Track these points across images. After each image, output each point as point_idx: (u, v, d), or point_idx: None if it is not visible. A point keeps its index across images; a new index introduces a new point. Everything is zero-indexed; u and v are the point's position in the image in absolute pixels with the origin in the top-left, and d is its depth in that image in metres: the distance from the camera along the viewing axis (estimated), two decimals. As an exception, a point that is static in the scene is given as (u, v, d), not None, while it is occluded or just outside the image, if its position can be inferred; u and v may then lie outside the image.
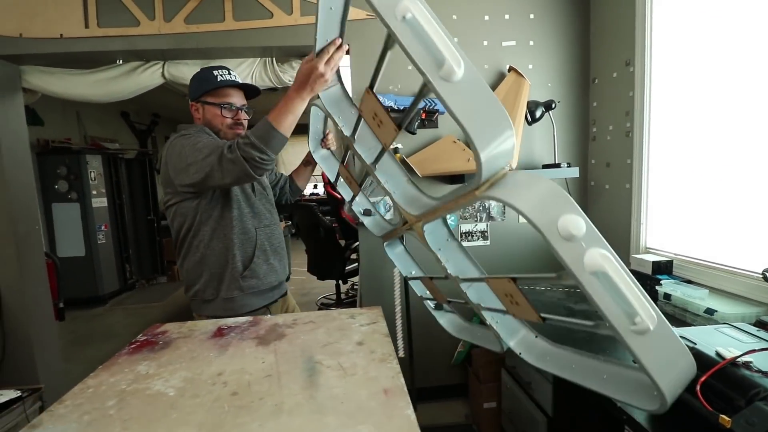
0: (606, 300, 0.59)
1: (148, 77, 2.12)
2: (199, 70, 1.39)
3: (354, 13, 2.02)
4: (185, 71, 2.14)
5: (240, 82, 1.37)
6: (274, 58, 2.17)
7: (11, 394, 1.95)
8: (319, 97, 1.11)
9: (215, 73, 1.34)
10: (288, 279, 1.61)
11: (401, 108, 2.02)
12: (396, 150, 2.09)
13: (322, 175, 4.22)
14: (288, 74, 2.17)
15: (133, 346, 1.11)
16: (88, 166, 4.43)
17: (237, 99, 1.36)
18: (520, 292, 0.81)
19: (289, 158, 8.77)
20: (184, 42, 1.99)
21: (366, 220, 1.64)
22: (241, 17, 1.99)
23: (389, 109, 2.03)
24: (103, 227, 4.52)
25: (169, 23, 1.96)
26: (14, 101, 2.10)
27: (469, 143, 0.60)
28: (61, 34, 1.94)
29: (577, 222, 0.59)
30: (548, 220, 0.60)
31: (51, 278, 2.29)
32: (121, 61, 2.12)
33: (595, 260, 0.58)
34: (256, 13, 1.99)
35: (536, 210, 0.61)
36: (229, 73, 1.36)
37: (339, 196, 3.88)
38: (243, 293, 1.36)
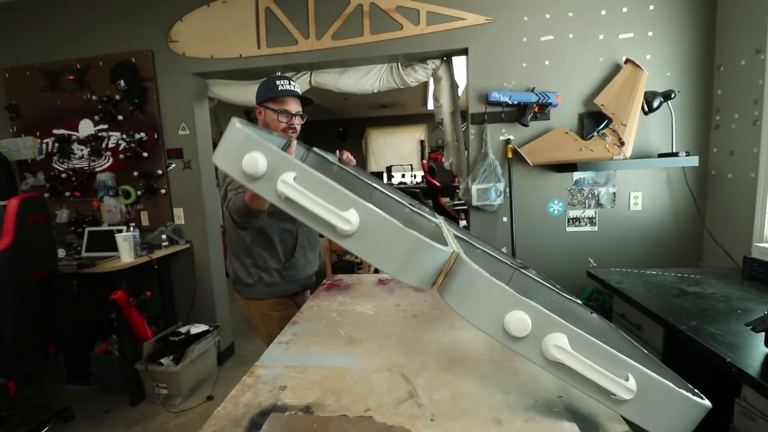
0: (579, 381, 0.64)
1: (300, 84, 2.60)
2: (266, 79, 1.51)
3: (473, 18, 2.27)
4: (327, 78, 2.59)
5: (298, 92, 1.48)
6: (399, 63, 2.52)
7: (203, 327, 2.61)
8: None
9: (278, 83, 1.45)
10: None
11: (516, 102, 2.22)
12: (508, 141, 2.31)
13: (423, 164, 4.53)
14: (411, 77, 2.50)
15: (324, 286, 1.53)
16: (225, 158, 5.32)
17: (293, 106, 1.47)
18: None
19: (379, 148, 9.30)
20: (330, 55, 2.42)
21: None
22: (376, 31, 2.36)
23: (504, 104, 2.25)
24: (235, 209, 5.42)
25: (320, 40, 2.41)
26: (203, 107, 2.75)
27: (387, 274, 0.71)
28: (240, 54, 2.51)
29: (522, 319, 0.64)
30: (495, 323, 0.66)
31: (223, 244, 2.96)
32: (279, 73, 2.64)
33: (550, 353, 0.63)
34: (389, 26, 2.34)
35: (482, 317, 0.68)
36: (290, 83, 1.47)
37: (438, 184, 4.18)
38: (283, 280, 1.53)
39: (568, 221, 2.33)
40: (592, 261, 2.33)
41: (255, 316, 1.59)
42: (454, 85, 2.51)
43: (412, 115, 8.70)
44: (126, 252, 2.27)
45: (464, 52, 2.34)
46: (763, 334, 1.13)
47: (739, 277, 1.80)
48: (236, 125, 0.74)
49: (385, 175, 8.74)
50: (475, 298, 0.69)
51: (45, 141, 2.73)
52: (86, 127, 2.68)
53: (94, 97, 2.63)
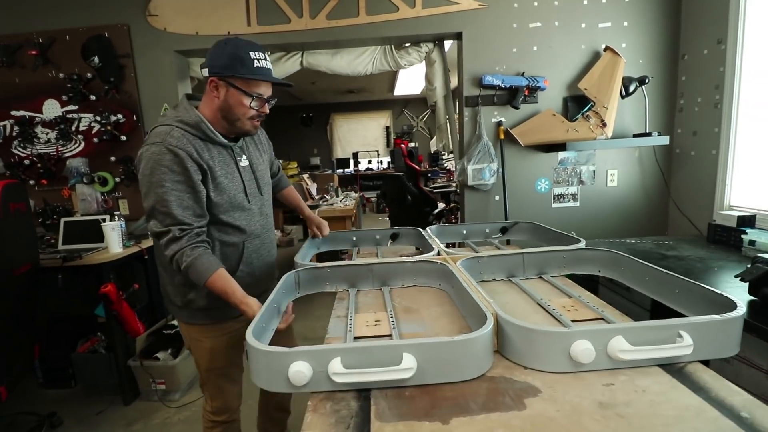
0: (650, 362, 0.75)
1: (290, 65, 2.55)
2: (230, 43, 1.11)
3: (466, 3, 2.34)
4: (319, 59, 2.55)
5: (274, 77, 1.17)
6: (392, 46, 2.54)
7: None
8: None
9: (252, 56, 1.09)
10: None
11: (508, 86, 2.34)
12: (500, 123, 2.43)
13: (402, 148, 4.59)
14: (404, 59, 2.53)
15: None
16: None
17: (267, 89, 1.16)
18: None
19: (344, 135, 9.21)
20: (324, 35, 2.39)
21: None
22: (372, 12, 2.35)
23: (497, 88, 2.36)
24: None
25: (314, 20, 2.36)
26: (187, 87, 2.60)
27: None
28: (228, 32, 2.39)
29: (586, 348, 0.71)
30: (563, 360, 0.73)
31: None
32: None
33: (618, 357, 0.72)
34: (385, 7, 2.35)
35: (548, 362, 0.75)
36: (266, 59, 1.14)
37: (417, 168, 4.27)
38: (220, 302, 1.13)
39: (554, 198, 2.52)
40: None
41: (186, 339, 1.35)
42: (446, 69, 2.57)
43: (377, 101, 8.71)
44: (114, 242, 2.13)
45: (458, 36, 2.41)
46: (748, 284, 1.33)
47: (704, 242, 2.06)
48: (254, 346, 0.72)
49: (351, 162, 8.71)
50: (535, 349, 0.76)
51: (2, 123, 2.45)
52: (52, 108, 2.44)
53: (61, 75, 2.39)
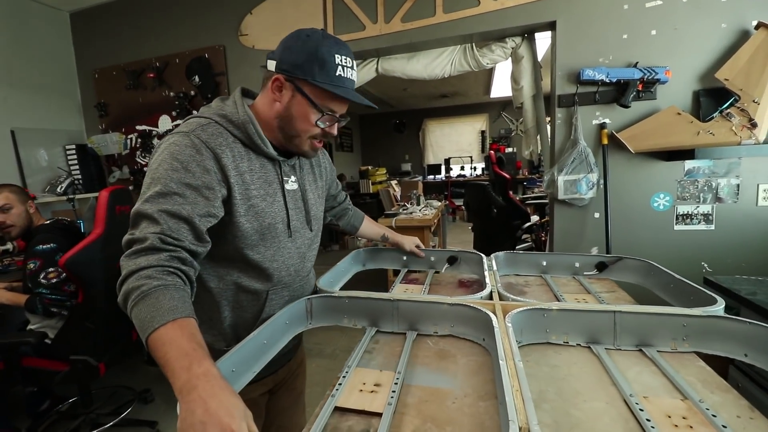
0: None
1: (366, 73, 2.51)
2: (314, 36, 0.83)
3: (563, -13, 2.00)
4: (395, 64, 2.45)
5: (355, 94, 0.89)
6: (473, 44, 2.31)
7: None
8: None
9: (337, 59, 0.83)
10: None
11: (614, 80, 1.93)
12: (603, 125, 2.02)
13: (491, 154, 4.27)
14: (487, 58, 2.29)
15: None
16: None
17: (342, 105, 0.90)
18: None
19: (437, 140, 9.02)
20: (399, 39, 2.28)
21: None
22: (449, 9, 2.17)
23: (600, 83, 1.97)
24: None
25: (389, 24, 2.27)
26: (271, 100, 2.75)
27: None
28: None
29: None
30: None
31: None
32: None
33: None
34: (464, 2, 2.15)
35: None
36: (352, 68, 0.88)
37: (508, 176, 3.90)
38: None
39: (677, 218, 2.00)
40: (706, 266, 1.98)
41: None
42: (536, 65, 2.25)
43: (472, 105, 8.35)
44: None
45: (551, 26, 2.08)
46: None
47: None
48: None
49: (443, 168, 8.50)
50: None
51: (129, 136, 2.91)
52: (165, 123, 2.81)
53: (171, 94, 2.73)
